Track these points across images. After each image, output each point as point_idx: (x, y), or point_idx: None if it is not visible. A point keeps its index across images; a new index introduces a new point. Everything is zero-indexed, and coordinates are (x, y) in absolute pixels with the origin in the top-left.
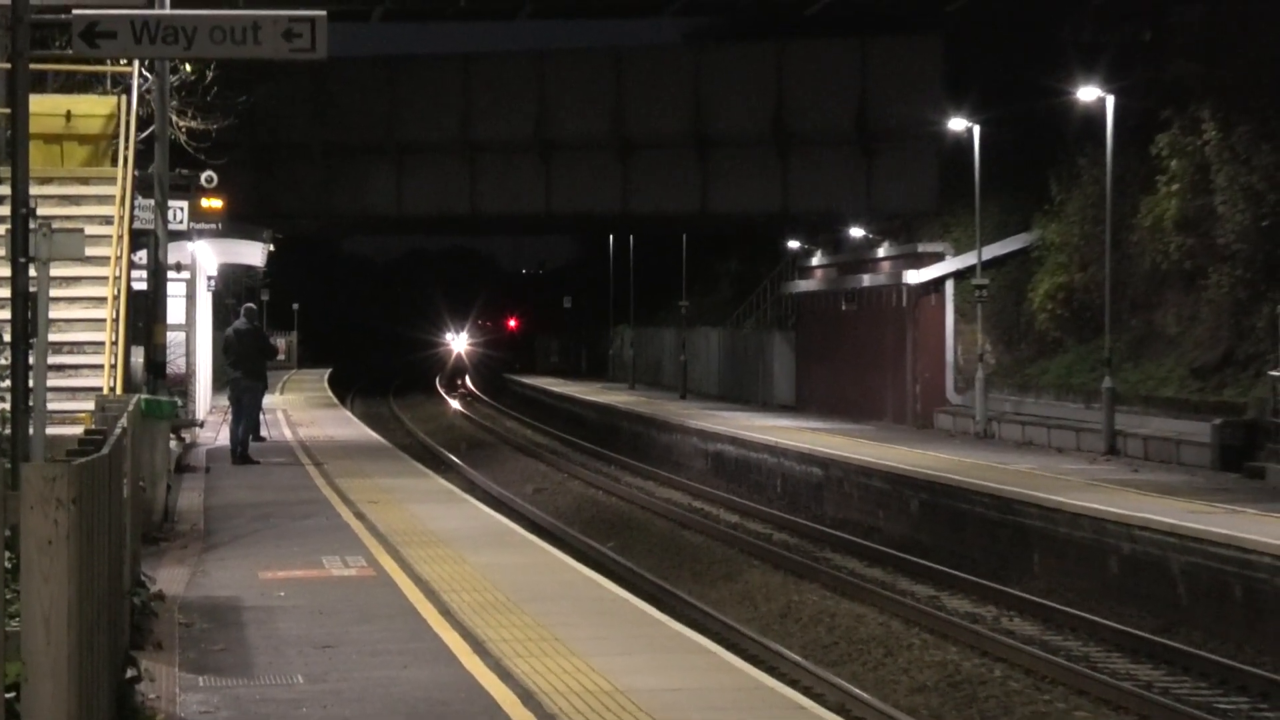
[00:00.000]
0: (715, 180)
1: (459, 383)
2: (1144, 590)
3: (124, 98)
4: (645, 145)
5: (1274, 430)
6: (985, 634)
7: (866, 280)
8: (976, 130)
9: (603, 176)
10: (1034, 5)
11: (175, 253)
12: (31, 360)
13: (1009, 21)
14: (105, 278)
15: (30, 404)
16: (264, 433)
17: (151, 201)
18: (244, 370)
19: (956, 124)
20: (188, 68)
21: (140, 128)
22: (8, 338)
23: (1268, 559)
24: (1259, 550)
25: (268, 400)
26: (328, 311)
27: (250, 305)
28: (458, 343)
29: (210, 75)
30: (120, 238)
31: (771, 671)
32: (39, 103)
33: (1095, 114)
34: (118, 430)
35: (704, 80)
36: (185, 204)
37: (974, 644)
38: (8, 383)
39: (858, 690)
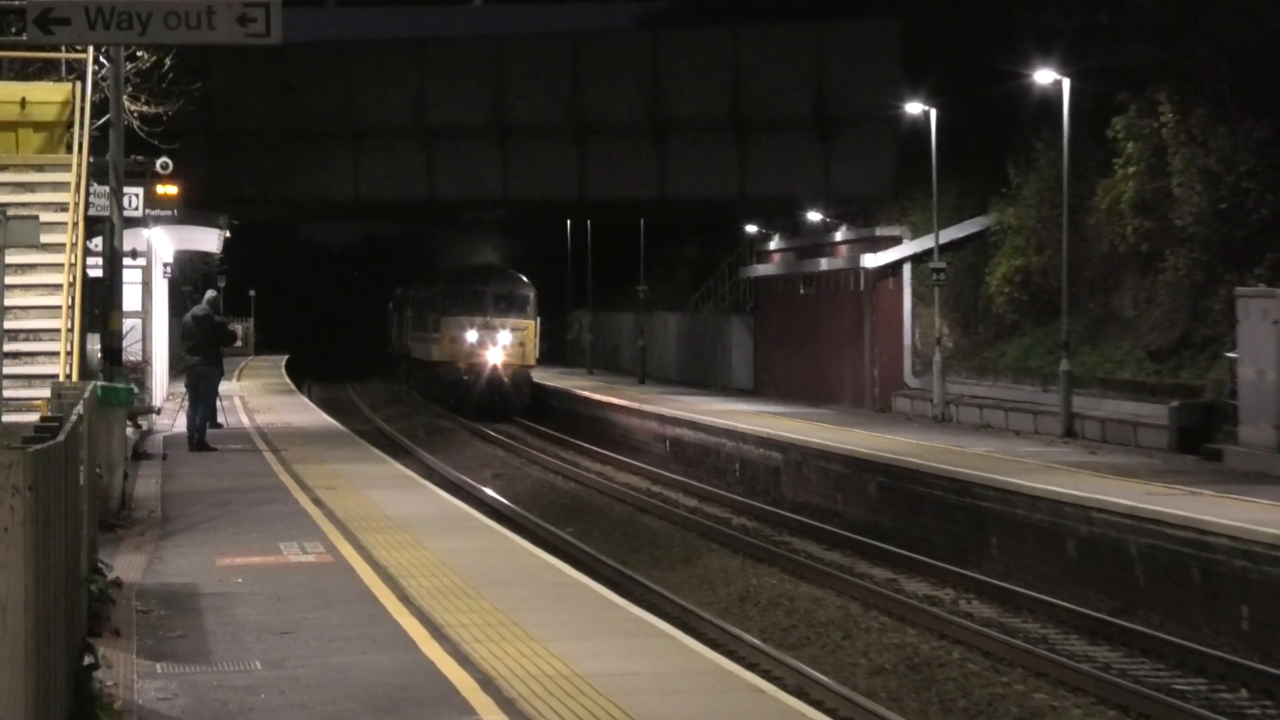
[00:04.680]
0: (673, 165)
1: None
2: (1102, 572)
3: (79, 84)
4: (602, 130)
5: (1231, 412)
6: (943, 616)
7: (824, 264)
8: (934, 114)
9: (560, 162)
10: None
11: (131, 239)
12: None
13: (967, 6)
14: (61, 265)
15: None
16: (221, 419)
17: (107, 188)
18: (201, 356)
19: (913, 108)
20: (144, 54)
21: (95, 114)
22: None
23: (1225, 540)
24: (1216, 532)
25: (225, 387)
26: (285, 298)
27: (212, 291)
28: (494, 352)
29: (167, 61)
30: (76, 225)
31: (730, 655)
32: None
33: (1052, 97)
34: (74, 417)
35: (661, 65)
36: (141, 190)
37: (932, 626)
38: None
39: (816, 673)
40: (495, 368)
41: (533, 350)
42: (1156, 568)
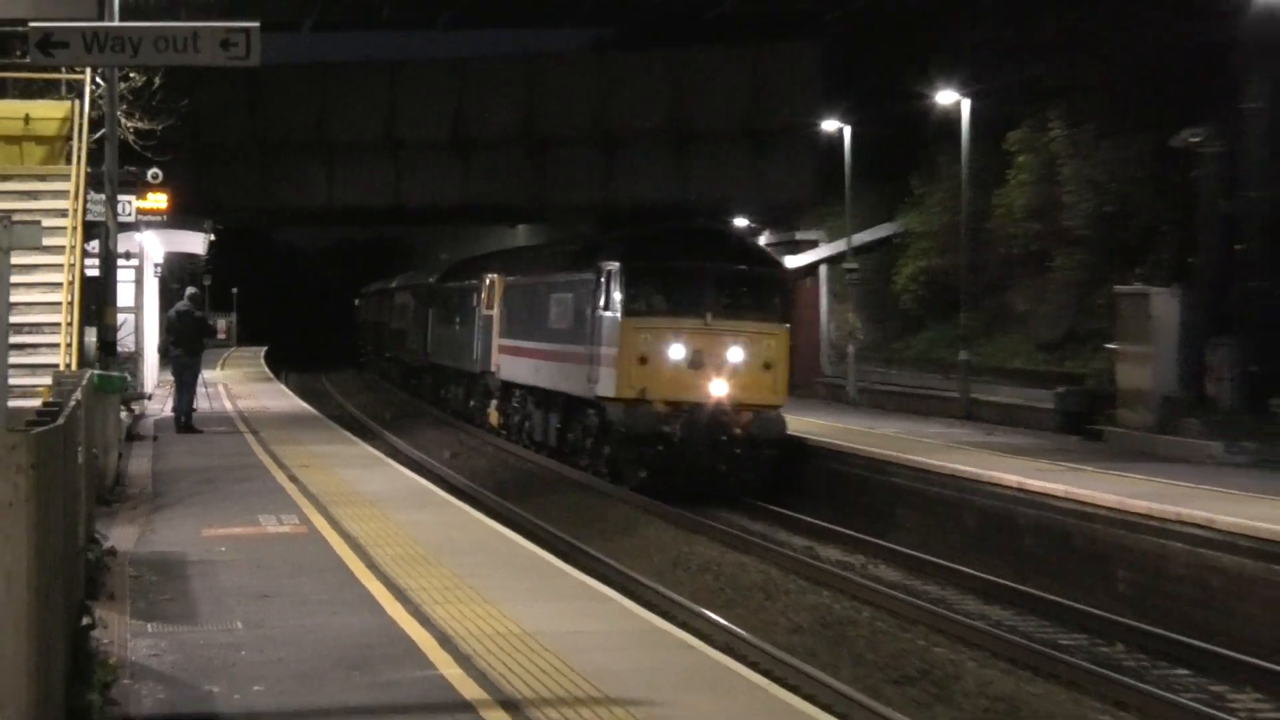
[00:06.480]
0: (620, 174)
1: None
2: (996, 540)
3: (77, 102)
4: (555, 143)
5: (1111, 397)
6: (855, 580)
7: None
8: (847, 130)
9: (516, 171)
10: (904, 16)
11: (124, 242)
12: None
13: (881, 31)
14: (61, 265)
15: None
16: (195, 405)
17: (103, 196)
18: (184, 348)
19: (830, 125)
20: (136, 75)
21: (92, 129)
22: None
23: (1103, 511)
24: (1095, 504)
25: (209, 375)
26: (264, 295)
27: (193, 289)
28: (718, 383)
29: (157, 81)
30: (74, 229)
31: (665, 615)
32: (0, 107)
33: (954, 115)
34: (72, 403)
35: (608, 84)
36: (133, 198)
37: (845, 589)
38: None
39: (741, 630)
40: (719, 406)
41: (784, 378)
42: (1044, 536)
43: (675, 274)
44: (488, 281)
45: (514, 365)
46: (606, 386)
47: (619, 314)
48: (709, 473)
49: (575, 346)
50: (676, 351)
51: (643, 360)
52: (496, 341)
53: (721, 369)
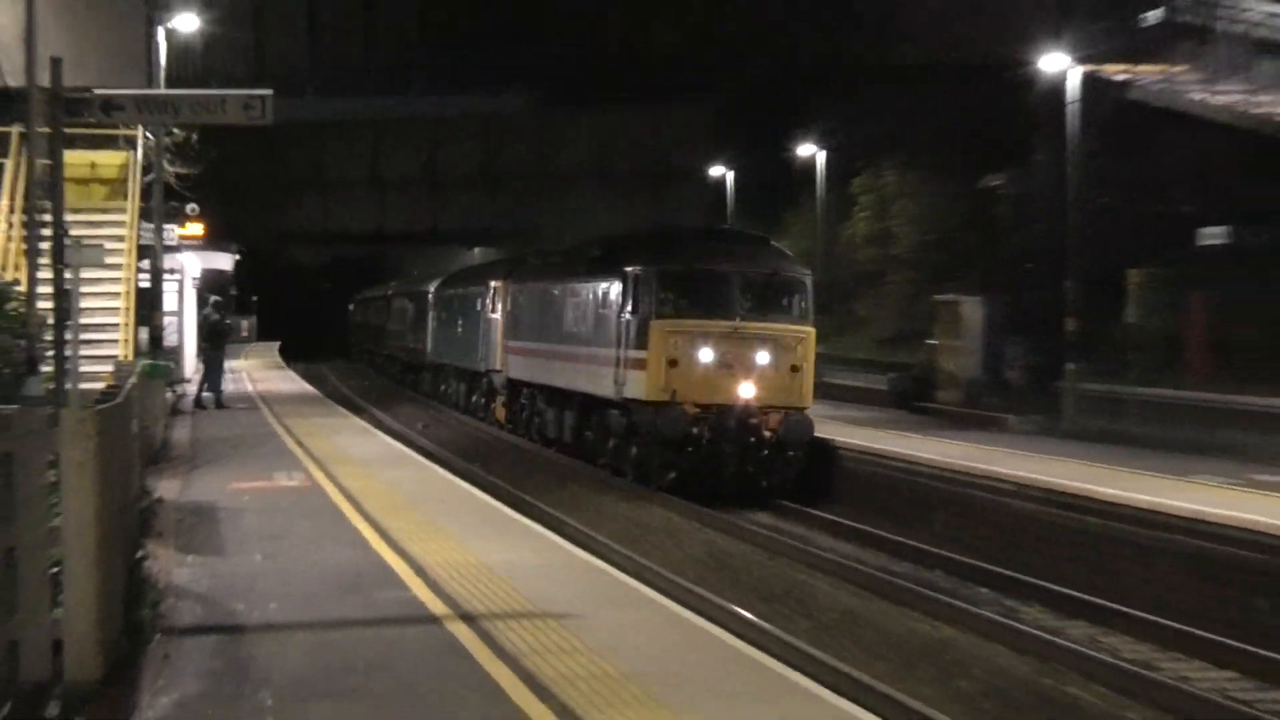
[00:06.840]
0: (557, 207)
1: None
2: (843, 490)
3: (131, 152)
4: (507, 181)
5: (931, 381)
6: (735, 522)
7: None
8: (730, 175)
9: (476, 203)
10: (776, 85)
11: (169, 261)
12: (68, 336)
13: (760, 96)
14: (120, 279)
15: (67, 367)
16: (224, 387)
17: (152, 225)
18: (209, 343)
19: (717, 170)
20: (177, 131)
21: (143, 173)
22: (52, 321)
23: (924, 468)
24: (918, 461)
25: (234, 364)
26: (278, 302)
27: (216, 298)
28: (746, 386)
29: (194, 136)
30: (130, 250)
31: (589, 550)
32: (71, 156)
33: (813, 163)
34: (128, 385)
35: (548, 137)
36: (175, 226)
37: (728, 530)
38: (53, 352)
39: (647, 561)
40: (748, 408)
41: (810, 380)
42: (878, 486)
43: (704, 277)
44: (493, 287)
45: (524, 365)
46: (636, 389)
47: (649, 317)
48: (737, 475)
49: (598, 349)
50: (706, 354)
51: (673, 363)
52: (503, 342)
53: (750, 371)
